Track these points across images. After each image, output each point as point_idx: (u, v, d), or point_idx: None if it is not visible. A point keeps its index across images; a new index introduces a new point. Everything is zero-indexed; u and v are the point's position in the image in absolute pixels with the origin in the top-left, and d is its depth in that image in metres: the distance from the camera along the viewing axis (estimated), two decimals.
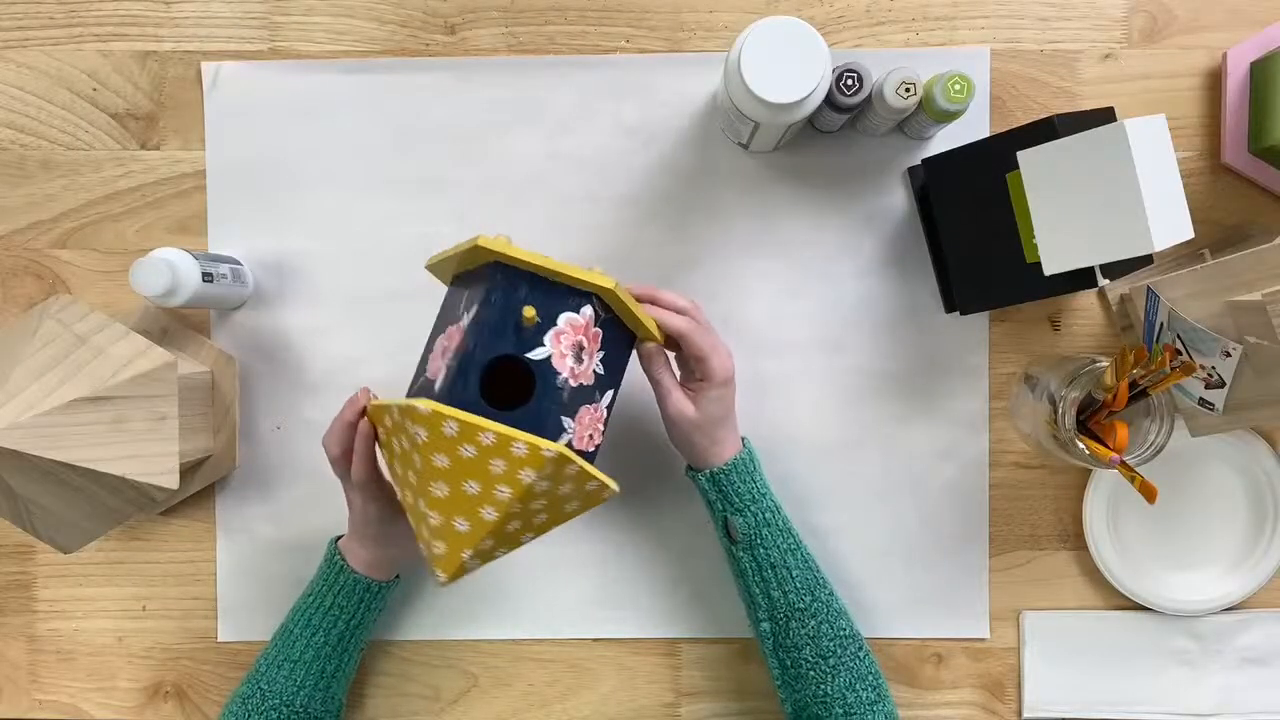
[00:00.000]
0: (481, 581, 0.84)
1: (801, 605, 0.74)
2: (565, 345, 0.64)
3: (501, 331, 0.63)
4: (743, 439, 0.77)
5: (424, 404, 0.59)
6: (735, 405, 0.75)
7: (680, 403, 0.72)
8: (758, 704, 0.85)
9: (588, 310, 0.66)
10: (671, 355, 0.74)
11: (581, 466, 0.61)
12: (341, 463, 0.71)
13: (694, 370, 0.73)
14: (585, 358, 0.65)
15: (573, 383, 0.64)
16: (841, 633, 0.74)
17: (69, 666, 0.86)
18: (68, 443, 0.66)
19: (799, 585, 0.74)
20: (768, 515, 0.75)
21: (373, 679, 0.85)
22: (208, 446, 0.81)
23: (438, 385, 0.63)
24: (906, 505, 0.84)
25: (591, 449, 0.66)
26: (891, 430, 0.84)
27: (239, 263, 0.82)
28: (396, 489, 0.67)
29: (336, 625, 0.76)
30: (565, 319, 0.65)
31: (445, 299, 0.72)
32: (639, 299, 0.72)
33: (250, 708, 0.74)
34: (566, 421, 0.64)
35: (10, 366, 0.66)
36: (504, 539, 0.63)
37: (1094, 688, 0.84)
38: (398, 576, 0.79)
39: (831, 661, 0.73)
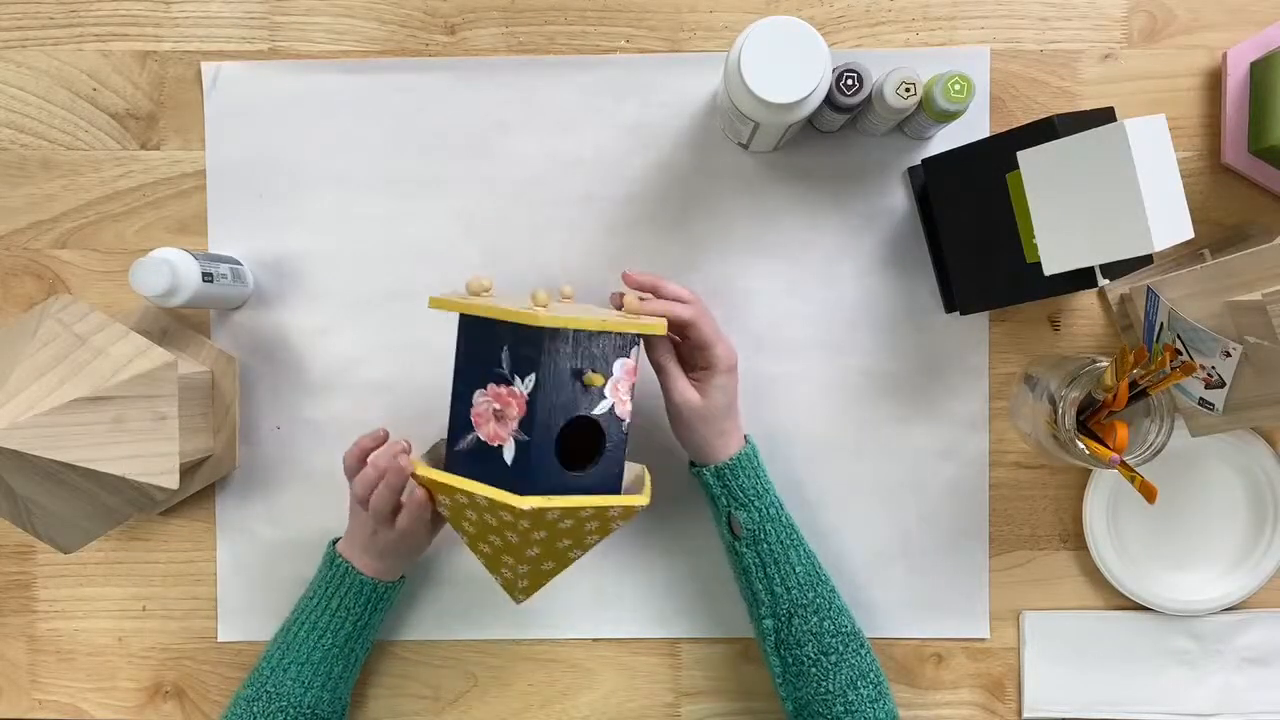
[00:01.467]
0: (482, 581, 0.84)
1: (804, 601, 0.74)
2: (623, 390, 0.69)
3: (567, 398, 0.66)
4: (745, 436, 0.77)
5: (527, 502, 0.63)
6: (739, 397, 0.76)
7: (686, 390, 0.73)
8: (758, 704, 0.85)
9: (635, 351, 0.70)
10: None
11: (637, 508, 0.67)
12: (388, 519, 0.72)
13: (698, 360, 0.74)
14: (632, 392, 0.70)
15: (627, 420, 0.69)
16: (843, 629, 0.74)
17: (69, 666, 0.86)
18: (68, 443, 0.66)
19: (801, 581, 0.74)
20: (771, 511, 0.75)
21: (373, 679, 0.85)
22: (208, 446, 0.81)
23: (509, 456, 0.65)
24: (906, 505, 0.84)
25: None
26: (892, 430, 0.84)
27: (239, 263, 0.82)
28: (464, 537, 0.70)
29: (344, 627, 0.76)
30: (619, 365, 0.68)
31: (467, 343, 0.69)
32: (642, 289, 0.75)
33: (257, 710, 0.74)
34: (624, 455, 0.70)
35: (10, 366, 0.66)
36: (568, 563, 0.69)
37: (1094, 688, 0.84)
38: (403, 576, 0.79)
39: (833, 658, 0.73)
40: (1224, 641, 0.84)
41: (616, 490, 0.69)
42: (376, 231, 0.84)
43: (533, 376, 0.64)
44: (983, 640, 0.85)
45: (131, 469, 0.68)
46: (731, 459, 0.75)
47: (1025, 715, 0.84)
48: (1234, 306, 0.69)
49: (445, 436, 0.70)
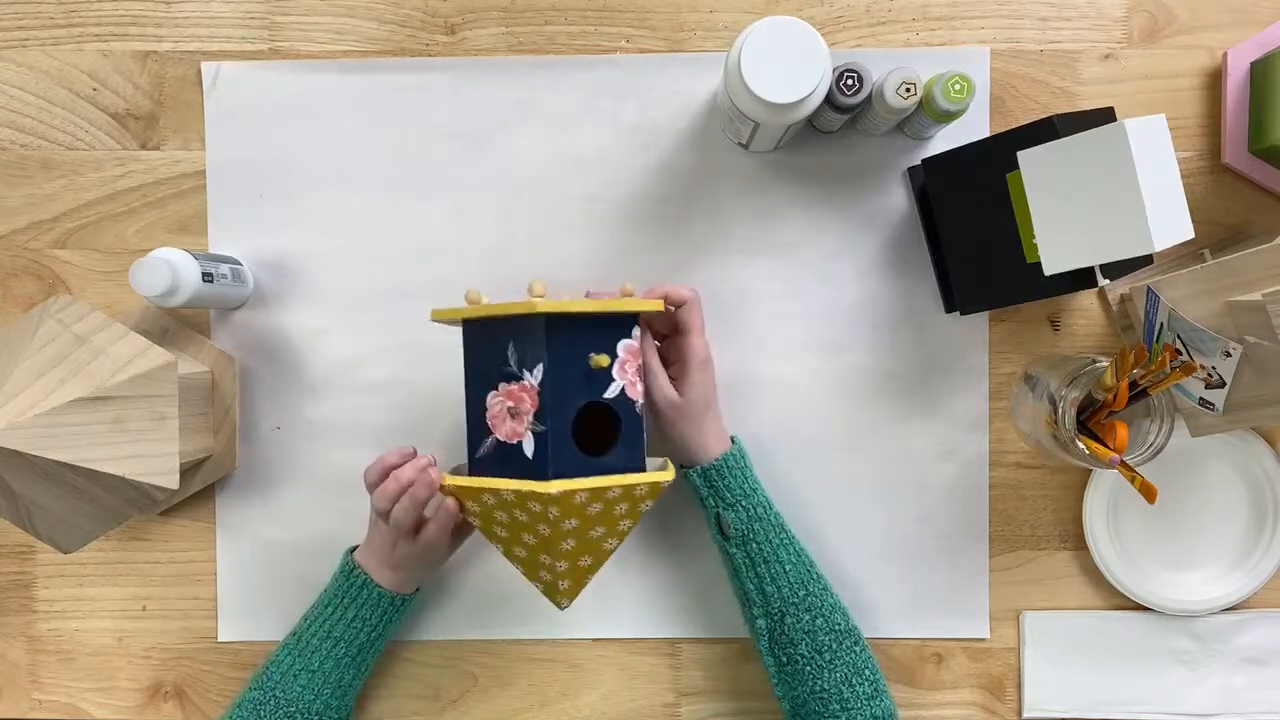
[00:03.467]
0: (482, 582, 0.84)
1: (796, 599, 0.74)
2: (630, 372, 0.68)
3: (577, 384, 0.66)
4: (732, 437, 0.77)
5: (554, 486, 0.63)
6: (717, 397, 0.77)
7: (666, 387, 0.74)
8: (757, 704, 0.85)
9: (637, 331, 0.70)
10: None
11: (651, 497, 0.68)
12: (410, 532, 0.72)
13: (673, 353, 0.76)
14: (640, 373, 0.70)
15: (640, 401, 0.69)
16: (837, 627, 0.74)
17: (69, 666, 0.86)
18: (68, 443, 0.66)
19: (793, 580, 0.74)
20: (759, 510, 0.75)
21: (373, 679, 0.85)
22: (208, 446, 0.81)
23: (529, 450, 0.66)
24: (907, 505, 0.84)
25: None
26: (891, 430, 0.84)
27: (239, 263, 0.82)
28: (498, 546, 0.70)
29: (359, 637, 0.76)
30: (622, 346, 0.68)
31: (473, 348, 0.70)
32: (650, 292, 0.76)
33: (264, 714, 0.74)
34: (644, 437, 0.69)
35: (10, 366, 0.66)
36: (605, 556, 0.70)
37: (1094, 688, 0.84)
38: (418, 588, 0.79)
39: (827, 656, 0.73)
40: (1224, 641, 0.84)
41: (640, 471, 0.69)
42: (376, 231, 0.84)
43: (540, 367, 0.65)
44: (983, 640, 0.85)
45: (131, 469, 0.68)
46: (717, 460, 0.75)
47: (1025, 715, 0.84)
48: (1234, 306, 0.69)
49: (465, 459, 0.71)
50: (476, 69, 0.83)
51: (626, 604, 0.85)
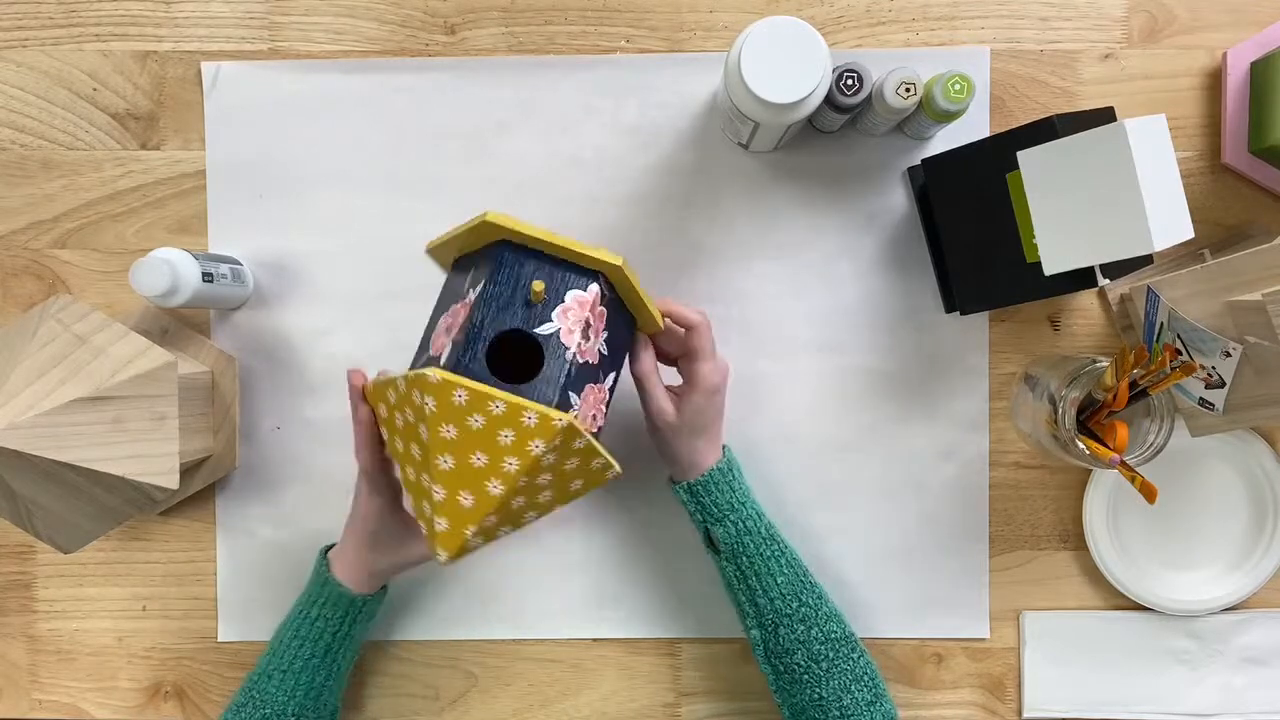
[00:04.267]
0: (481, 581, 0.84)
1: (789, 611, 0.74)
2: (573, 321, 0.64)
3: (509, 306, 0.63)
4: (724, 447, 0.77)
5: (435, 373, 0.59)
6: (721, 421, 0.75)
7: (663, 402, 0.72)
8: (757, 704, 0.85)
9: (594, 288, 0.65)
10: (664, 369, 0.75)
11: (589, 441, 0.61)
12: (365, 492, 0.73)
13: (684, 374, 0.73)
14: (591, 335, 0.65)
15: (580, 359, 0.64)
16: (832, 635, 0.74)
17: (69, 666, 0.86)
18: (68, 443, 0.66)
19: (785, 591, 0.74)
20: (749, 524, 0.75)
21: (373, 679, 0.85)
22: (208, 446, 0.81)
23: (443, 359, 0.63)
24: (906, 505, 0.84)
25: (595, 430, 0.66)
26: (891, 430, 0.84)
27: (239, 263, 0.82)
28: (397, 467, 0.67)
29: (323, 638, 0.75)
30: (572, 296, 0.64)
31: (446, 283, 0.71)
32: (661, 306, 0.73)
33: (244, 716, 0.74)
34: (573, 397, 0.63)
35: (10, 366, 0.66)
36: (508, 516, 0.63)
37: (1094, 688, 0.84)
38: (384, 589, 0.78)
39: (824, 665, 0.73)
40: (1224, 641, 0.84)
41: (566, 406, 0.63)
42: (376, 231, 0.84)
43: (481, 285, 0.63)
44: (983, 640, 0.85)
45: (131, 469, 0.68)
46: (704, 475, 0.74)
47: (1025, 715, 0.84)
48: (1234, 306, 0.69)
49: None
50: (476, 69, 0.83)
51: (626, 604, 0.85)
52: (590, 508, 0.84)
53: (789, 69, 0.67)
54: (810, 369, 0.83)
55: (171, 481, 0.70)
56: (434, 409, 0.59)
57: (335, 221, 0.84)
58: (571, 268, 0.65)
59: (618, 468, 0.64)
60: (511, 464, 0.60)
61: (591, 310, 0.65)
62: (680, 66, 0.83)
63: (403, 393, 0.62)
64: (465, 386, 0.59)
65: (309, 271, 0.84)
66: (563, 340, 0.63)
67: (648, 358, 0.72)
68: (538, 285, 0.63)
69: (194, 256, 0.76)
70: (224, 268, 0.79)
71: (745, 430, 0.83)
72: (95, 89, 0.84)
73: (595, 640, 0.85)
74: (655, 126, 0.83)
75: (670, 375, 0.76)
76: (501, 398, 0.59)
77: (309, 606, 0.76)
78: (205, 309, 0.84)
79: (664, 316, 0.71)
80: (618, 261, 0.64)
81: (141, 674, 0.86)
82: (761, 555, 0.74)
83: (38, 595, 0.86)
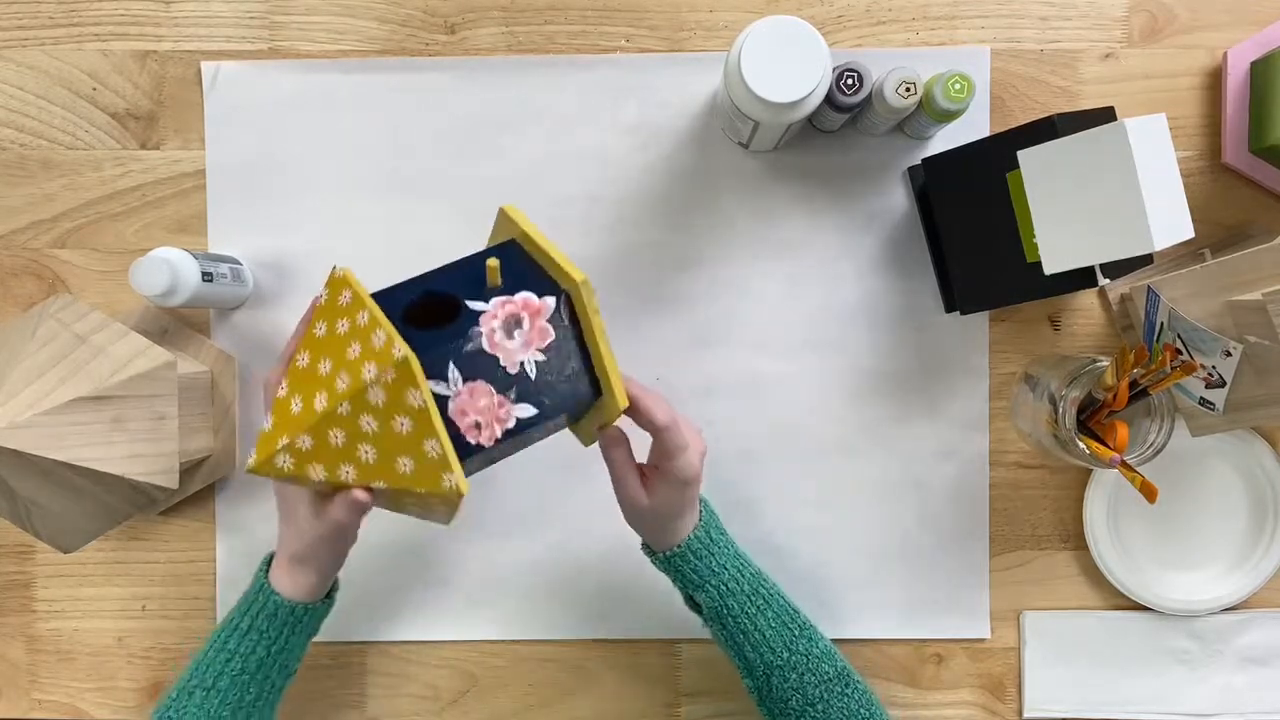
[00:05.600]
0: (481, 582, 0.84)
1: (780, 662, 0.71)
2: (506, 313, 0.59)
3: (467, 277, 0.60)
4: (701, 501, 0.71)
5: (340, 268, 0.58)
6: (699, 492, 0.69)
7: (635, 490, 0.67)
8: None
9: (550, 301, 0.60)
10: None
11: (426, 406, 0.54)
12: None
13: (659, 460, 0.66)
14: (517, 338, 0.59)
15: (488, 348, 0.58)
16: (825, 677, 0.72)
17: (69, 666, 0.86)
18: (68, 442, 0.66)
19: (774, 644, 0.71)
20: (731, 585, 0.71)
21: (373, 679, 0.85)
22: (208, 446, 0.81)
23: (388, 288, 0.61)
24: (907, 505, 0.84)
25: (472, 442, 0.57)
26: (891, 430, 0.84)
27: (239, 263, 0.82)
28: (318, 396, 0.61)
29: (255, 652, 0.68)
30: (524, 296, 0.60)
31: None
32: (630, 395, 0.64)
33: None
34: (453, 372, 0.57)
35: (10, 366, 0.66)
36: (325, 450, 0.57)
37: (1094, 688, 0.84)
38: (330, 596, 0.72)
39: (820, 707, 0.71)
40: (1224, 641, 0.84)
41: (439, 374, 0.57)
42: (376, 231, 0.84)
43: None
44: (983, 640, 0.85)
45: (131, 469, 0.68)
46: (680, 545, 0.70)
47: (1025, 715, 0.84)
48: (1234, 306, 0.69)
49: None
50: (476, 69, 0.83)
51: (626, 604, 0.85)
52: (590, 508, 0.84)
53: (789, 69, 0.67)
54: (810, 369, 0.83)
55: (171, 481, 0.70)
56: (323, 301, 0.58)
57: (335, 221, 0.84)
58: (541, 277, 0.61)
59: (459, 475, 0.55)
60: (343, 381, 0.55)
61: (532, 316, 0.59)
62: (680, 66, 0.83)
63: (321, 307, 0.60)
64: (355, 291, 0.56)
65: (309, 271, 0.84)
66: (482, 321, 0.58)
67: (622, 449, 0.66)
68: (493, 263, 0.59)
69: (194, 256, 0.76)
70: (224, 267, 0.79)
71: (745, 430, 0.83)
72: (95, 89, 0.84)
73: (595, 640, 0.85)
74: (655, 126, 0.83)
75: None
76: (373, 311, 0.55)
77: (240, 618, 0.69)
78: (205, 309, 0.84)
79: (629, 404, 0.63)
80: (580, 277, 0.59)
81: (141, 674, 0.86)
82: (747, 613, 0.71)
83: (38, 595, 0.86)
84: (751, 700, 0.75)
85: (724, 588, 0.71)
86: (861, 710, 0.72)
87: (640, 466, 0.68)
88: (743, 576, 0.72)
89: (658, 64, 0.83)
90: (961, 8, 0.82)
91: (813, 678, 0.71)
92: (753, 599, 0.72)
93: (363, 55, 0.83)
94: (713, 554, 0.71)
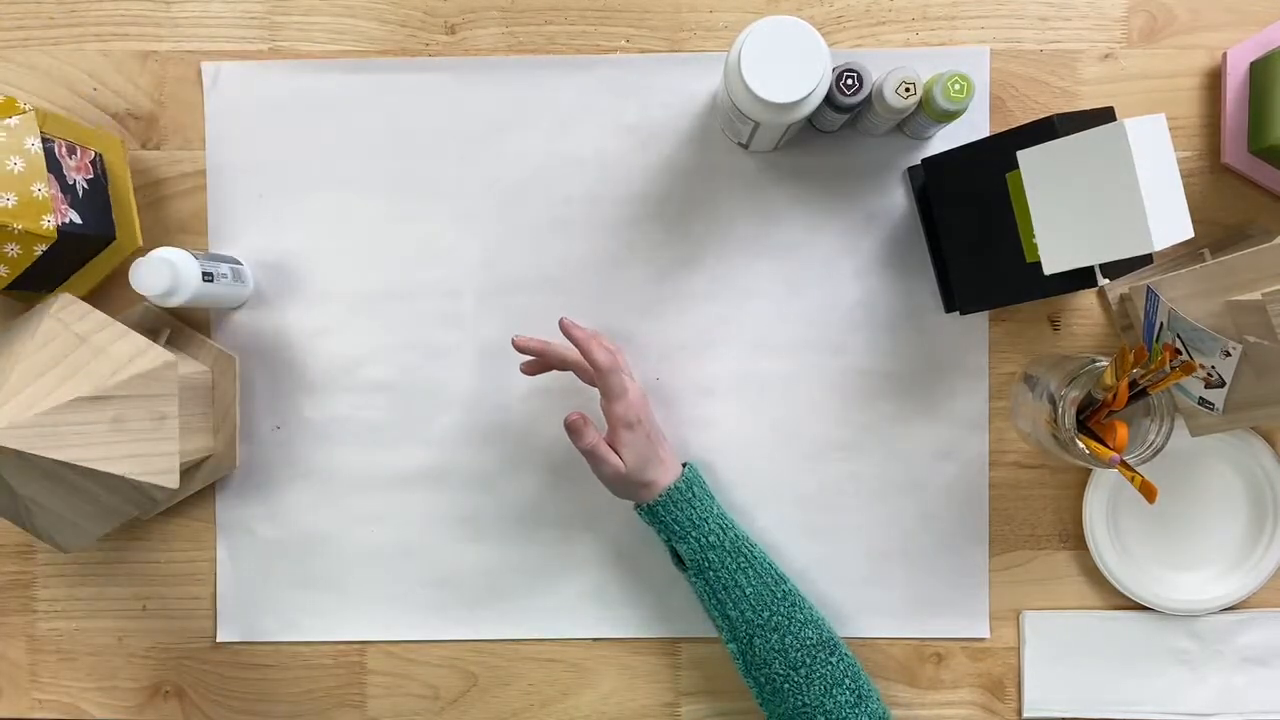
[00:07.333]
0: (481, 582, 0.84)
1: (761, 621, 0.73)
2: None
3: None
4: (685, 465, 0.78)
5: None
6: (664, 443, 0.77)
7: (612, 460, 0.74)
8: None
9: (91, 150, 0.77)
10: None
11: (39, 153, 0.70)
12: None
13: (604, 411, 0.75)
14: (72, 159, 0.74)
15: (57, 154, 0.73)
16: (808, 642, 0.74)
17: (69, 666, 0.86)
18: (68, 442, 0.66)
19: (755, 603, 0.74)
20: (712, 538, 0.75)
21: (373, 679, 0.85)
22: (208, 446, 0.81)
23: None
24: (906, 505, 0.84)
25: (48, 219, 0.70)
26: (891, 430, 0.84)
27: (239, 263, 0.82)
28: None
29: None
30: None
31: None
32: (572, 340, 0.75)
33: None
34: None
35: (10, 366, 0.66)
36: None
37: (1094, 688, 0.84)
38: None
39: (803, 672, 0.73)
40: (1224, 641, 0.84)
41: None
42: (376, 231, 0.84)
43: None
44: (983, 640, 0.85)
45: (131, 469, 0.68)
46: (661, 495, 0.75)
47: (1025, 715, 0.84)
48: (1234, 306, 0.69)
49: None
50: (476, 69, 0.83)
51: (626, 604, 0.85)
52: (591, 507, 0.84)
53: (789, 69, 0.67)
54: (810, 369, 0.83)
55: (171, 481, 0.70)
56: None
57: (335, 221, 0.84)
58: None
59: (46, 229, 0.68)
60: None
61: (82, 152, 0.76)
62: (680, 66, 0.83)
63: None
64: None
65: (309, 271, 0.84)
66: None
67: (590, 432, 0.74)
68: None
69: (194, 256, 0.76)
70: (224, 267, 0.79)
71: (745, 430, 0.83)
72: (95, 89, 0.84)
73: (595, 640, 0.85)
74: (655, 126, 0.83)
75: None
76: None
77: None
78: (205, 309, 0.84)
79: (576, 349, 0.74)
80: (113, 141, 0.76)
81: (141, 674, 0.86)
82: (727, 568, 0.74)
83: (38, 595, 0.86)
84: (736, 668, 0.76)
85: (704, 540, 0.75)
86: (846, 680, 0.73)
87: (605, 441, 0.75)
88: (725, 534, 0.76)
89: (658, 64, 0.83)
90: (961, 8, 0.82)
91: (794, 641, 0.73)
92: (734, 556, 0.75)
93: (363, 55, 0.83)
94: (694, 507, 0.75)
